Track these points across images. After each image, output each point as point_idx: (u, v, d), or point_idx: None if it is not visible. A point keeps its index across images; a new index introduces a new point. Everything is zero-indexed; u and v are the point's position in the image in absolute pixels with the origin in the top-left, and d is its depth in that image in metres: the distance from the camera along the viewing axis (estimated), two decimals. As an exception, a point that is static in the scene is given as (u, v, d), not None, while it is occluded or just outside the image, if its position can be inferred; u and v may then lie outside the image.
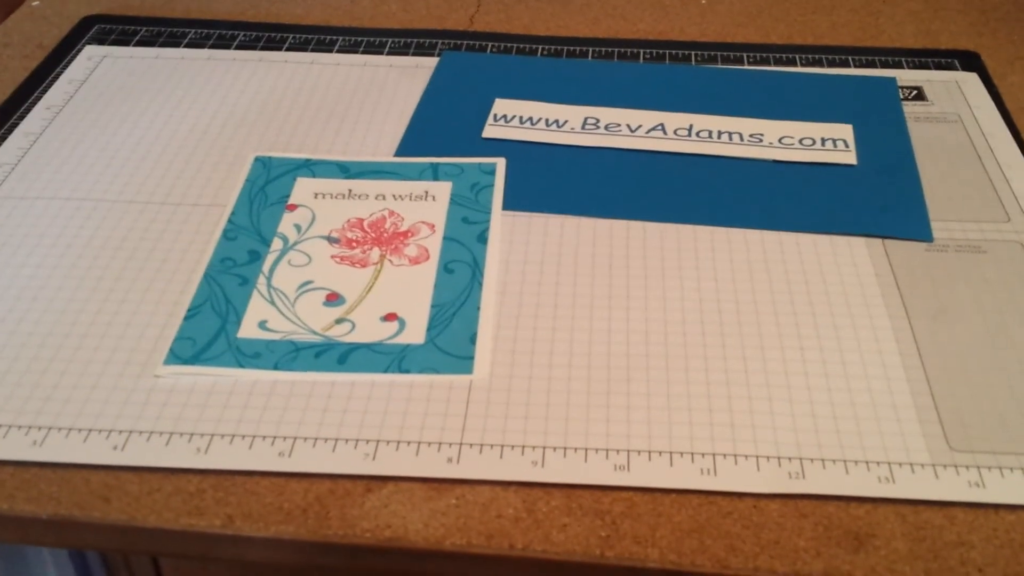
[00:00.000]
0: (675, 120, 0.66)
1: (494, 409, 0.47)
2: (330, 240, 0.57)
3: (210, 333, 0.51)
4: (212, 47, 0.74)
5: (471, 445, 0.46)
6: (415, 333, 0.51)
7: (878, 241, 0.56)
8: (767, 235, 0.57)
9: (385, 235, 0.57)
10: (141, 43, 0.75)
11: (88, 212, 0.59)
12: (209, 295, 0.53)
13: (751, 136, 0.64)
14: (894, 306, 0.52)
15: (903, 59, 0.73)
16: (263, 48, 0.74)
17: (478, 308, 0.52)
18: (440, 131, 0.65)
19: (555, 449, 0.46)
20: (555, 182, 0.61)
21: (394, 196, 0.59)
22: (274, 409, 0.47)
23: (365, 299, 0.53)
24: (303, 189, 0.60)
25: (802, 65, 0.72)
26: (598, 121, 0.66)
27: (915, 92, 0.69)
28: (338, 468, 0.45)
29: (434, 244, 0.56)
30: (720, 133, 0.65)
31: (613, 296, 0.53)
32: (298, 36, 0.75)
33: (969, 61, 0.72)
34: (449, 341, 0.50)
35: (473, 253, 0.56)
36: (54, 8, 0.79)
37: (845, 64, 0.72)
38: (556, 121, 0.66)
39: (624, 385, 0.48)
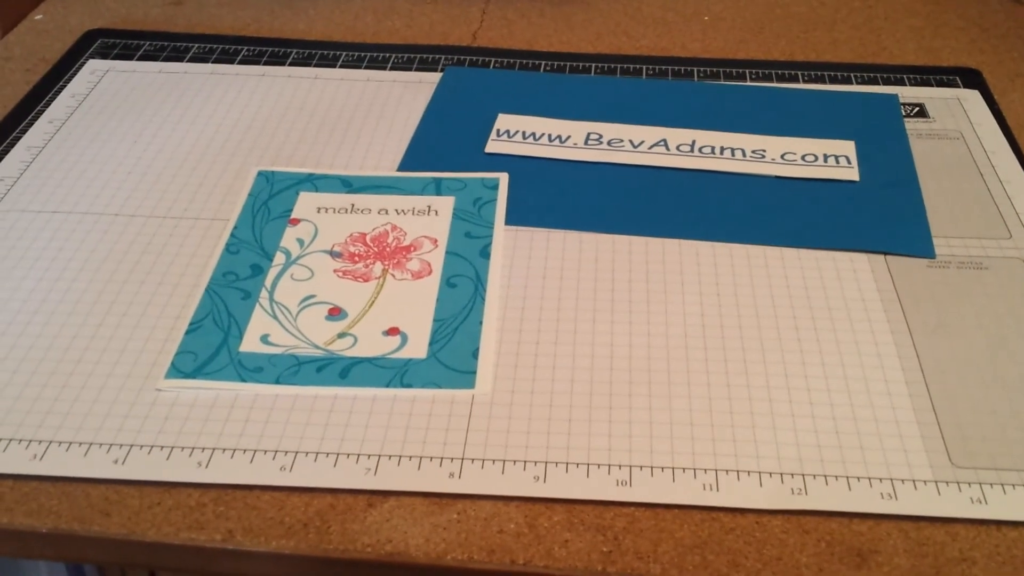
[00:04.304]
0: (678, 136, 0.66)
1: (496, 424, 0.47)
2: (332, 254, 0.57)
3: (212, 347, 0.51)
4: (215, 62, 0.74)
5: (473, 460, 0.46)
6: (417, 348, 0.51)
7: (880, 257, 0.56)
8: (769, 251, 0.57)
9: (388, 249, 0.57)
10: (144, 57, 0.75)
11: (90, 226, 0.59)
12: (211, 309, 0.53)
13: (753, 152, 0.64)
14: (896, 322, 0.52)
15: (905, 76, 0.73)
16: (266, 63, 0.74)
17: (480, 323, 0.52)
18: (443, 146, 0.65)
19: (557, 464, 0.45)
20: (558, 197, 0.61)
21: (397, 211, 0.60)
22: (275, 423, 0.47)
23: (367, 313, 0.53)
24: (306, 203, 0.60)
25: (804, 82, 0.72)
26: (601, 137, 0.66)
27: (917, 109, 0.69)
28: (339, 483, 0.45)
29: (436, 259, 0.56)
30: (723, 149, 0.65)
31: (615, 311, 0.53)
32: (301, 51, 0.76)
33: (970, 78, 0.73)
34: (451, 356, 0.50)
35: (476, 268, 0.56)
36: (57, 22, 0.80)
37: (847, 81, 0.72)
38: (559, 136, 0.66)
39: (626, 400, 0.48)
